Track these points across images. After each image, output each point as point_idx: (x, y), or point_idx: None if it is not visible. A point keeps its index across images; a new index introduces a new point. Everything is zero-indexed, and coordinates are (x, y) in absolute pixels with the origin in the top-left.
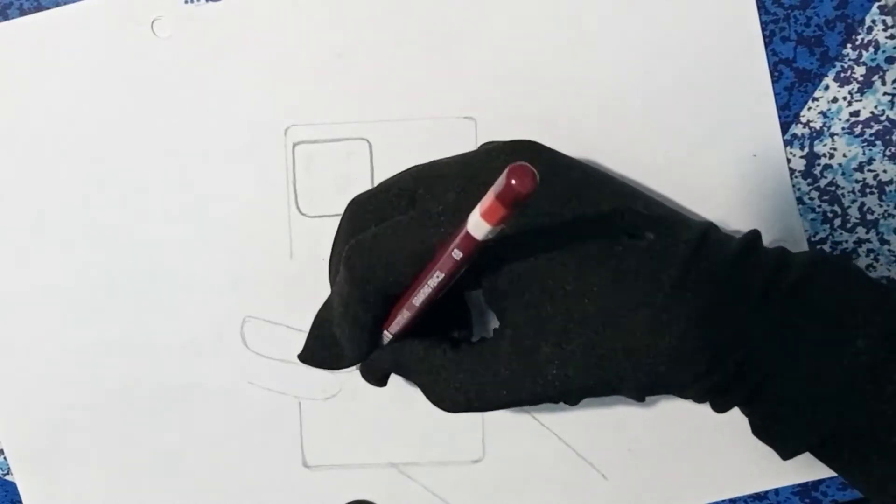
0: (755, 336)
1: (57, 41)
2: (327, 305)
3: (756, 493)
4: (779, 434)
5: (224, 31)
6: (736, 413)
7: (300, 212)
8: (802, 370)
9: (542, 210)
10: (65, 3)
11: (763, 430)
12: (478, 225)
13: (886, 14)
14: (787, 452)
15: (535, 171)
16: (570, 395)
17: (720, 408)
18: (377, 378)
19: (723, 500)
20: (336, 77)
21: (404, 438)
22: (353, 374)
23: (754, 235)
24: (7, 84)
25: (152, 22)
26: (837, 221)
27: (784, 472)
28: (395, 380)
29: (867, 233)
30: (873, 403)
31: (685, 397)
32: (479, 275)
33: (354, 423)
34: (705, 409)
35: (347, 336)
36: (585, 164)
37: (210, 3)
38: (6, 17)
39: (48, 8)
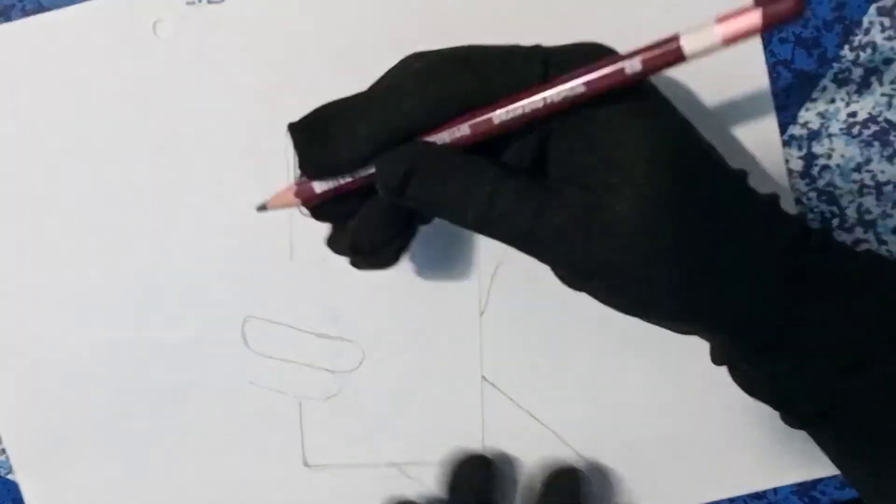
0: (777, 283)
1: (59, 42)
2: (348, 102)
3: (755, 493)
4: (785, 393)
5: (225, 32)
6: (735, 413)
7: (300, 212)
8: (822, 335)
9: (623, 99)
10: (66, 5)
11: (765, 388)
12: (716, 34)
13: (884, 15)
14: (790, 415)
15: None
16: (601, 269)
17: (718, 360)
18: (397, 182)
19: (722, 500)
20: (336, 77)
21: (404, 438)
22: (353, 375)
23: (775, 196)
24: (9, 85)
25: (154, 23)
26: (835, 222)
27: (783, 472)
28: (394, 380)
29: (865, 233)
30: (869, 392)
31: (688, 326)
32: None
33: (354, 423)
34: (705, 409)
35: (375, 120)
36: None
37: (211, 4)
38: (8, 18)
39: (50, 9)
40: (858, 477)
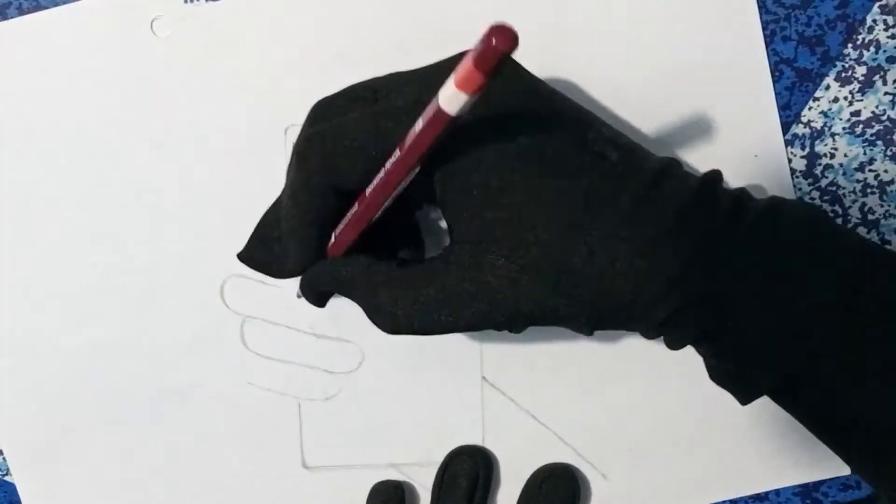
0: (712, 271)
1: (56, 41)
2: (276, 205)
3: (757, 494)
4: (734, 375)
5: (224, 30)
6: (736, 414)
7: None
8: (762, 309)
9: (501, 110)
10: (64, 3)
11: (719, 371)
12: (452, 96)
13: (887, 14)
14: (744, 396)
15: (514, 29)
16: (516, 320)
17: (674, 344)
18: (316, 295)
19: (723, 501)
20: (336, 77)
21: (404, 438)
22: (353, 375)
23: (714, 174)
24: (6, 84)
25: (152, 21)
26: (838, 221)
27: (785, 473)
28: (394, 380)
29: (868, 233)
30: (837, 346)
31: (636, 330)
32: (431, 181)
33: (354, 423)
34: (706, 410)
35: (294, 237)
36: (550, 86)
37: (210, 2)
38: (5, 17)
39: (47, 7)
40: (829, 439)
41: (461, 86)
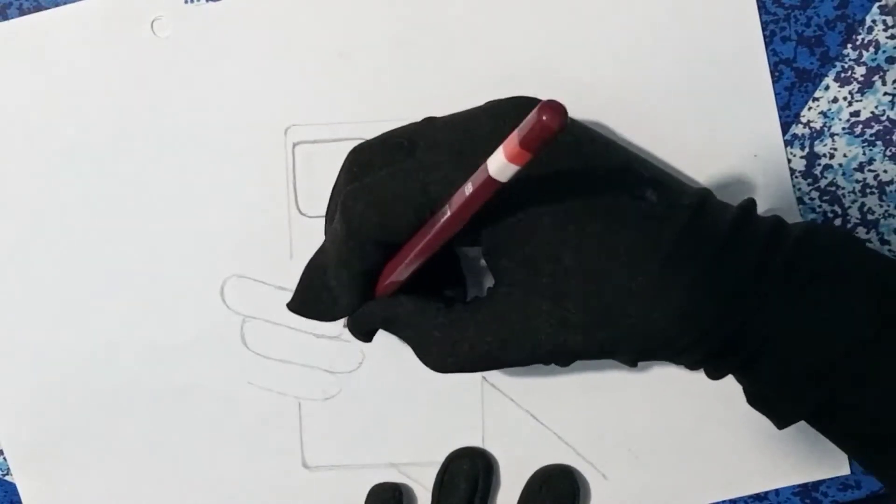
0: (752, 303)
1: (56, 41)
2: (321, 253)
3: (756, 494)
4: (774, 401)
5: (224, 30)
6: (736, 414)
7: (300, 212)
8: (799, 337)
9: (546, 163)
10: (64, 3)
11: (758, 398)
12: (501, 165)
13: (887, 14)
14: (782, 421)
15: (565, 107)
16: (563, 356)
17: (714, 374)
18: (364, 333)
19: (723, 501)
20: (336, 77)
21: (404, 438)
22: (352, 375)
23: (750, 203)
24: (7, 84)
25: (152, 21)
26: (838, 222)
27: (785, 473)
28: (394, 380)
29: (867, 233)
30: (872, 374)
31: (679, 363)
32: (477, 229)
33: (354, 423)
34: (706, 409)
35: (342, 285)
36: (585, 124)
37: (210, 2)
38: (6, 17)
39: (48, 8)
40: (864, 459)
41: (511, 159)
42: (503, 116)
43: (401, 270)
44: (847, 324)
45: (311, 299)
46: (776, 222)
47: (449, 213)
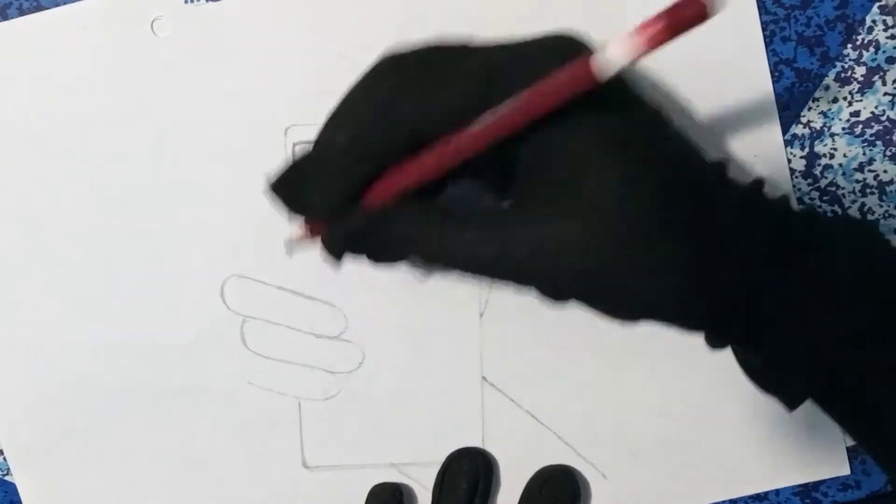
0: (764, 271)
1: (56, 41)
2: (324, 143)
3: (756, 494)
4: (783, 377)
5: (224, 31)
6: (736, 414)
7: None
8: (814, 309)
9: (595, 97)
10: (64, 3)
11: (764, 375)
12: (615, 56)
13: (887, 14)
14: (791, 400)
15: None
16: (562, 286)
17: (717, 342)
18: (339, 247)
19: (723, 501)
20: (336, 77)
21: (404, 438)
22: (353, 375)
23: (759, 183)
24: (7, 84)
25: (152, 22)
26: None
27: (785, 473)
28: (394, 380)
29: None
30: (881, 355)
31: (680, 324)
32: (507, 145)
33: (354, 423)
34: (707, 410)
35: (339, 167)
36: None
37: (210, 2)
38: (5, 17)
39: (48, 8)
40: (870, 442)
41: (644, 42)
42: (547, 55)
43: (422, 173)
44: (862, 303)
45: (295, 181)
46: (784, 200)
47: (516, 104)
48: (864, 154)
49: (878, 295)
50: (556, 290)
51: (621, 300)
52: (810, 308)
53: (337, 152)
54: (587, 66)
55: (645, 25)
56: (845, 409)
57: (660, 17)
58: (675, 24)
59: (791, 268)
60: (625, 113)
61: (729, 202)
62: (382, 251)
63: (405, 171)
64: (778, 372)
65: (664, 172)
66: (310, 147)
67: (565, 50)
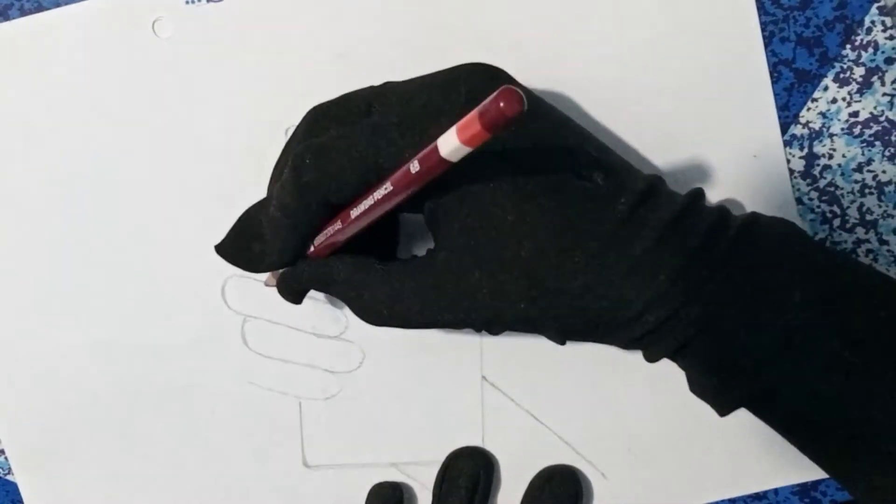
0: (690, 288)
1: (57, 42)
2: (260, 204)
3: (755, 493)
4: (714, 387)
5: (224, 31)
6: (735, 414)
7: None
8: (736, 325)
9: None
10: (65, 4)
11: (698, 384)
12: (451, 145)
13: (885, 15)
14: (722, 407)
15: (524, 96)
16: (493, 325)
17: (651, 356)
18: (295, 293)
19: (723, 500)
20: (336, 77)
21: (404, 438)
22: (353, 375)
23: (697, 192)
24: (8, 84)
25: (153, 22)
26: (837, 222)
27: (784, 473)
28: (394, 380)
29: (866, 233)
30: (806, 364)
31: (613, 344)
32: (420, 197)
33: (354, 423)
34: (706, 409)
35: (278, 238)
36: (540, 97)
37: (211, 3)
38: (7, 18)
39: (49, 8)
40: (805, 446)
41: (464, 137)
42: (458, 86)
43: (342, 230)
44: (784, 310)
45: (241, 247)
46: (722, 211)
47: (392, 188)
48: (863, 154)
49: (801, 299)
50: (482, 327)
51: (542, 329)
52: (732, 321)
53: (272, 228)
54: (436, 152)
55: (461, 126)
56: (778, 416)
57: (472, 116)
58: (488, 122)
59: (715, 281)
60: (526, 153)
61: (659, 223)
62: (329, 291)
63: (327, 233)
64: (705, 382)
65: (580, 206)
66: (250, 205)
67: (474, 80)
